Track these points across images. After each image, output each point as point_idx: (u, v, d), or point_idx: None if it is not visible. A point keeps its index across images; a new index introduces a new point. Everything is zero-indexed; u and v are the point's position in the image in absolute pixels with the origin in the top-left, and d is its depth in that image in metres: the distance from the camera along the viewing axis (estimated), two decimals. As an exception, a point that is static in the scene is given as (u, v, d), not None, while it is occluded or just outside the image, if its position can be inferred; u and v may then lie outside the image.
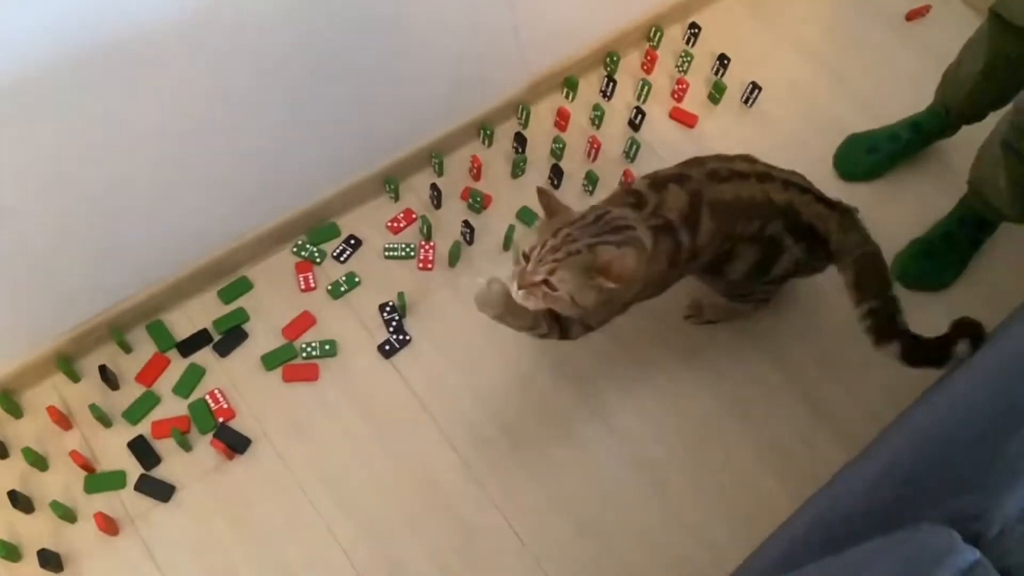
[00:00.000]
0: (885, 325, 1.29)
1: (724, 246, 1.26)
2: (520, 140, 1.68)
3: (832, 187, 1.72)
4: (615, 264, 1.09)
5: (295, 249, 1.57)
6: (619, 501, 1.40)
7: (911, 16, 1.93)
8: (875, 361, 1.53)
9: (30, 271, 1.24)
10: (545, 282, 1.12)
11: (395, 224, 1.61)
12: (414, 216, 1.62)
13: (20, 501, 1.30)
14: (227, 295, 1.51)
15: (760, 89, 1.76)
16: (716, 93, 1.78)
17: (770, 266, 1.32)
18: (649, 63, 1.80)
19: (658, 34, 1.83)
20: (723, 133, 1.77)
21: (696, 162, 1.29)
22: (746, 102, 1.79)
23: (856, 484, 0.93)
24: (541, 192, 1.19)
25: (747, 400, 1.50)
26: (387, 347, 1.49)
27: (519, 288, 1.14)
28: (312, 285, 1.54)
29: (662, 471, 1.43)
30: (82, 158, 1.14)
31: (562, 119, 1.72)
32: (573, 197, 1.66)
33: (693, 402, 1.49)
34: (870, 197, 1.70)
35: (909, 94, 1.73)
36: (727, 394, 1.50)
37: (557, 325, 1.27)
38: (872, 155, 1.70)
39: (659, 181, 1.25)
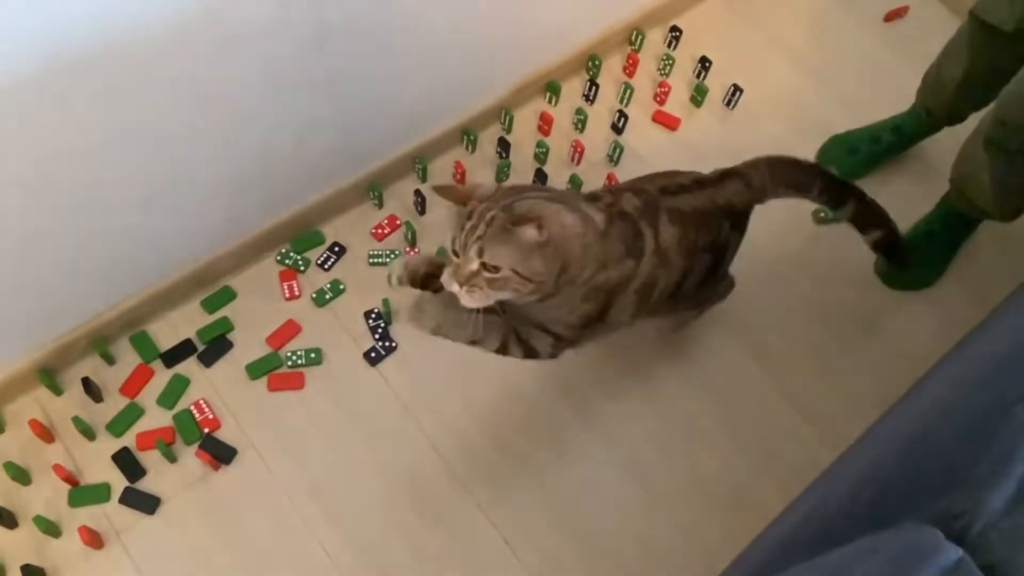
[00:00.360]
0: (837, 190, 1.33)
1: (689, 262, 1.20)
2: (504, 145, 1.68)
3: (814, 188, 1.73)
4: (535, 209, 0.99)
5: (279, 257, 1.56)
6: (608, 505, 1.40)
7: (890, 17, 1.95)
8: (859, 360, 1.56)
9: (8, 282, 1.22)
10: (483, 266, 0.99)
11: (379, 231, 1.61)
12: (398, 223, 1.62)
13: (3, 516, 1.28)
14: (211, 305, 1.50)
15: (742, 91, 1.77)
16: (698, 96, 1.79)
17: (718, 269, 1.31)
18: (631, 67, 1.81)
19: (640, 38, 1.83)
20: (705, 135, 1.78)
21: (646, 180, 1.26)
22: (728, 104, 1.80)
23: (841, 484, 0.93)
24: (439, 189, 1.05)
25: (733, 401, 1.50)
26: (373, 354, 1.48)
27: (459, 286, 1.00)
28: (296, 293, 1.53)
29: (650, 473, 1.43)
30: (62, 166, 1.13)
31: (545, 123, 1.72)
32: (557, 201, 1.66)
33: (679, 405, 1.50)
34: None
35: (890, 94, 1.74)
36: (713, 395, 1.51)
37: (514, 336, 1.13)
38: (853, 156, 1.71)
39: (615, 189, 1.22)
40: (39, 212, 1.16)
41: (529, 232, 0.97)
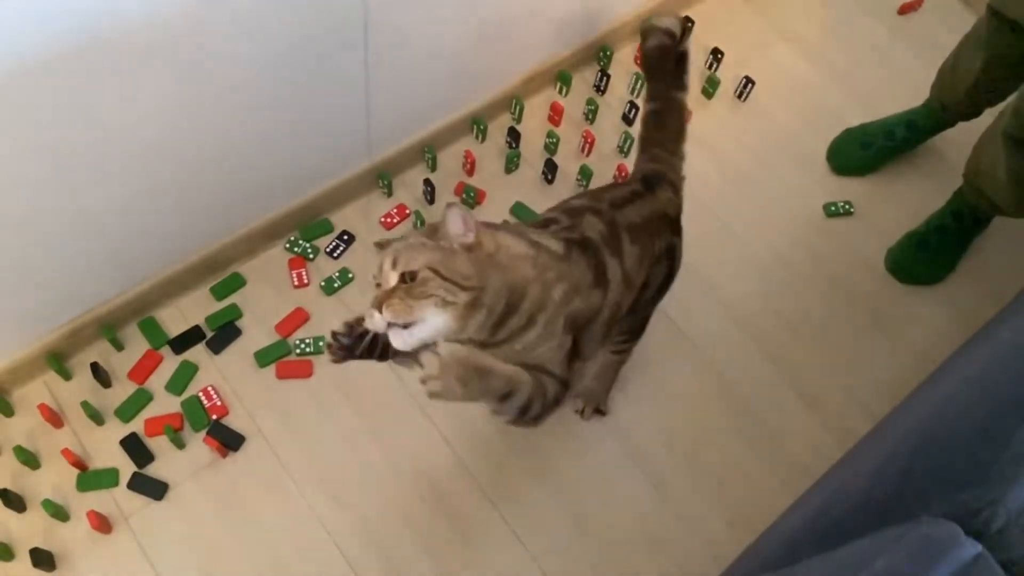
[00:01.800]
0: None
1: (648, 273, 1.17)
2: (513, 135, 1.67)
3: (825, 181, 1.73)
4: (457, 214, 0.92)
5: (288, 245, 1.55)
6: (617, 497, 1.40)
7: (904, 10, 1.94)
8: (870, 355, 1.55)
9: (18, 268, 1.22)
10: (401, 278, 0.90)
11: (388, 219, 1.60)
12: (407, 212, 1.61)
13: (12, 500, 1.28)
14: (220, 291, 1.50)
15: (753, 83, 1.76)
16: (709, 87, 1.78)
17: (672, 275, 1.25)
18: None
19: (652, 28, 1.82)
20: (716, 127, 1.77)
21: (595, 196, 1.20)
22: (739, 96, 1.79)
23: (855, 477, 0.93)
24: (380, 245, 0.99)
25: (741, 394, 1.50)
26: (381, 343, 1.48)
27: (379, 309, 0.89)
28: (305, 281, 1.53)
29: (659, 466, 1.43)
30: (71, 153, 1.12)
31: (555, 114, 1.71)
32: (567, 191, 1.66)
33: (687, 398, 1.49)
34: (864, 191, 1.70)
35: (904, 87, 1.73)
36: (721, 388, 1.50)
37: (553, 379, 1.02)
38: (867, 150, 1.70)
39: (572, 208, 1.14)
40: (46, 198, 1.16)
41: (453, 224, 0.92)
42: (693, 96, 1.78)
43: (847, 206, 1.68)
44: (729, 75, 1.80)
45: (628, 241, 1.11)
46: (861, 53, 1.88)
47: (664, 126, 1.27)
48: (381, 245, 0.99)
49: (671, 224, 1.21)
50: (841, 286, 1.61)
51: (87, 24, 0.99)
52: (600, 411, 1.44)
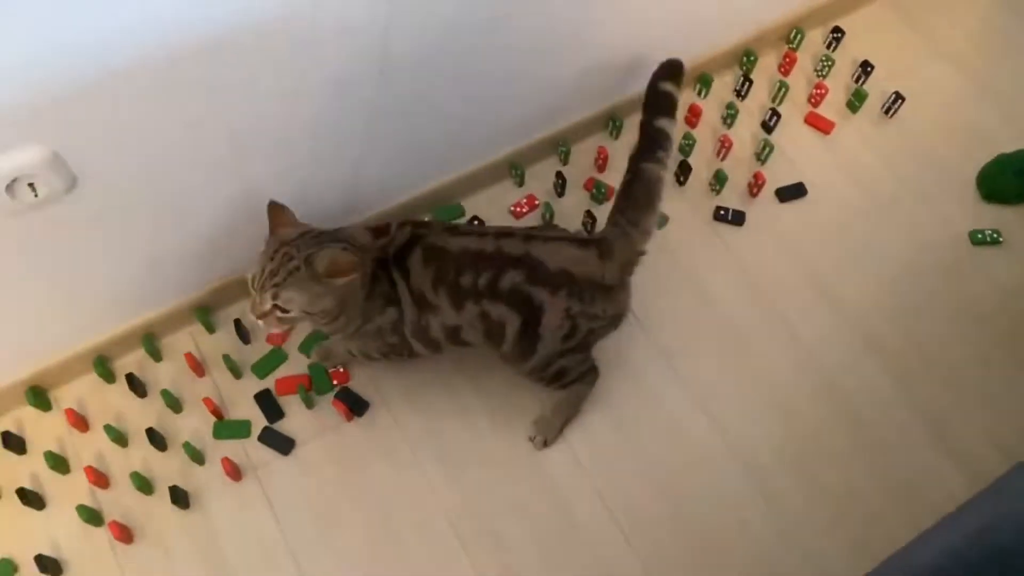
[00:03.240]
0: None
1: (468, 306, 1.19)
2: (649, 134, 1.67)
3: (972, 206, 1.65)
4: (339, 260, 1.11)
5: (421, 225, 1.61)
6: (725, 504, 1.39)
7: (1074, 33, 1.83)
8: (1009, 393, 1.47)
9: (181, 228, 1.31)
10: (275, 307, 1.11)
11: (518, 209, 1.63)
12: (537, 202, 1.64)
13: (156, 439, 1.38)
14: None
15: (903, 99, 1.70)
16: (856, 101, 1.72)
17: (537, 328, 1.21)
18: (787, 65, 1.76)
19: (799, 36, 1.78)
20: (860, 142, 1.71)
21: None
22: (887, 112, 1.73)
23: (1004, 520, 0.89)
24: (272, 206, 1.17)
25: (863, 417, 1.46)
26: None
27: (256, 318, 1.14)
28: (435, 261, 1.57)
29: (771, 479, 1.41)
30: (242, 128, 1.19)
31: (693, 115, 1.70)
32: (700, 195, 1.65)
33: (807, 416, 1.46)
34: (1015, 221, 1.62)
35: (1066, 113, 1.64)
36: (841, 408, 1.46)
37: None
38: (1021, 178, 1.62)
39: (404, 222, 1.24)
40: (219, 172, 1.23)
41: (319, 284, 1.11)
42: (837, 108, 1.74)
43: (995, 235, 1.60)
44: (877, 89, 1.74)
45: (419, 258, 1.19)
46: (1021, 72, 1.78)
47: (629, 195, 1.27)
48: (274, 208, 1.17)
49: (560, 278, 1.18)
50: (984, 318, 1.54)
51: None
52: (547, 443, 1.41)
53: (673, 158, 1.66)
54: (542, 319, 1.19)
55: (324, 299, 1.13)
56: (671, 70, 1.35)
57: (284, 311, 1.12)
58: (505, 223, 1.61)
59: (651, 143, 1.29)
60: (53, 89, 0.95)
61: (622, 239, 1.24)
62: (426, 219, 1.25)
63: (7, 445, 1.37)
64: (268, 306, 1.12)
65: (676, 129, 1.32)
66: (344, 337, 1.28)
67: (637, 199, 1.26)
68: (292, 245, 1.13)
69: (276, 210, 1.18)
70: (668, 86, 1.33)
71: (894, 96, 1.70)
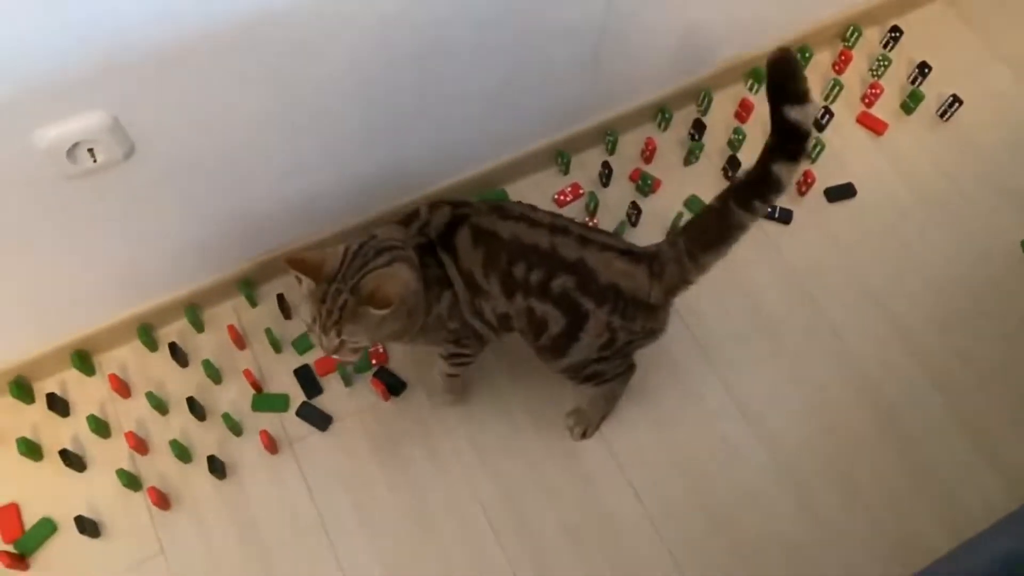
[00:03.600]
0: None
1: (517, 298, 1.16)
2: (698, 127, 1.66)
3: (1028, 222, 1.61)
4: (384, 287, 1.05)
5: (465, 209, 1.60)
6: (759, 505, 1.38)
7: None
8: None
9: (228, 200, 1.32)
10: (343, 342, 1.10)
11: (562, 197, 1.63)
12: (581, 191, 1.63)
13: (196, 409, 1.40)
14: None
15: (961, 103, 1.66)
16: (911, 102, 1.69)
17: (578, 332, 1.17)
18: (842, 63, 1.73)
19: (855, 34, 1.75)
20: (913, 145, 1.68)
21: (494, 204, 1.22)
22: (942, 115, 1.70)
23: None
24: (291, 261, 1.07)
25: (905, 424, 1.43)
26: (540, 315, 1.51)
27: (330, 355, 1.13)
28: (477, 246, 1.57)
29: (808, 483, 1.39)
30: (297, 94, 1.19)
31: (744, 110, 1.68)
32: (746, 192, 1.63)
33: (846, 420, 1.44)
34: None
35: None
36: (883, 413, 1.44)
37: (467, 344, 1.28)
38: None
39: (437, 203, 1.20)
40: (270, 133, 1.24)
41: (375, 313, 1.06)
42: (891, 109, 1.71)
43: (1049, 246, 1.57)
44: (934, 92, 1.70)
45: (468, 237, 1.16)
46: (1085, 84, 1.74)
47: (704, 228, 1.15)
48: (296, 262, 1.08)
49: (608, 292, 1.14)
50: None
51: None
52: (585, 435, 1.42)
53: (721, 153, 1.66)
54: (584, 326, 1.17)
55: (388, 322, 1.09)
56: (791, 76, 0.99)
57: (355, 346, 1.12)
58: (549, 209, 1.60)
59: (755, 187, 1.06)
60: (118, 57, 0.96)
61: (675, 264, 1.15)
62: (463, 199, 1.21)
63: (51, 407, 1.39)
64: (336, 343, 1.10)
65: (795, 175, 1.06)
66: (412, 339, 1.22)
67: (709, 236, 1.13)
68: (339, 278, 1.08)
69: (299, 263, 1.08)
70: (795, 114, 0.99)
71: (951, 99, 1.67)
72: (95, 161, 1.05)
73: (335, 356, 1.13)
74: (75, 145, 1.02)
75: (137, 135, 1.08)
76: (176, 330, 1.49)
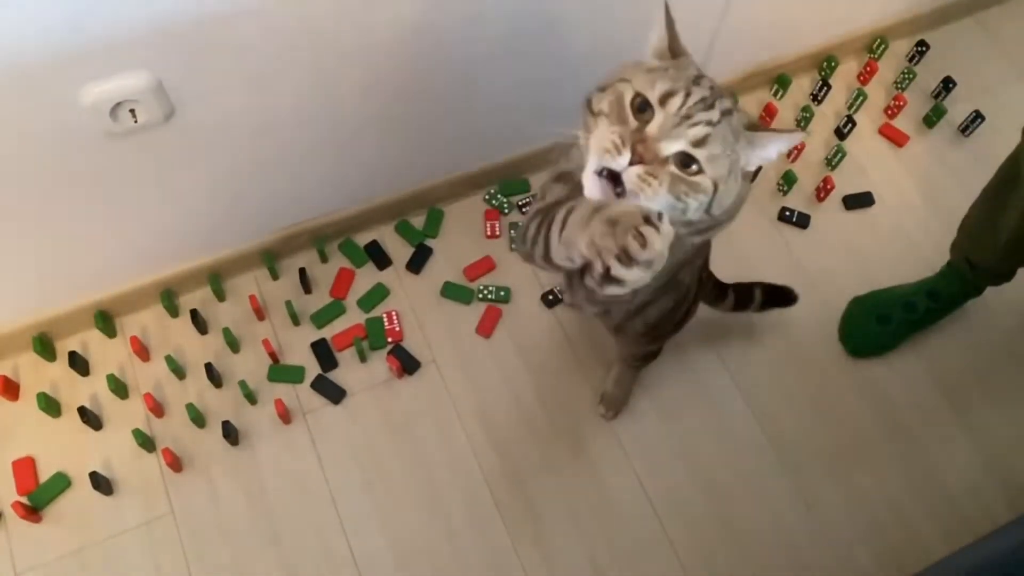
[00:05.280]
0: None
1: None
2: (721, 129, 1.67)
3: None
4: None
5: (487, 197, 1.62)
6: (762, 500, 1.39)
7: None
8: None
9: (256, 172, 1.34)
10: (678, 156, 0.73)
11: (583, 190, 1.65)
12: (603, 186, 1.65)
13: (213, 375, 1.42)
14: (422, 225, 1.60)
15: (983, 119, 1.68)
16: (934, 116, 1.71)
17: (680, 308, 1.18)
18: (867, 74, 1.75)
19: (882, 47, 1.77)
20: (934, 158, 1.70)
21: None
22: (964, 131, 1.71)
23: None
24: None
25: (911, 430, 1.45)
26: (550, 297, 1.53)
27: (632, 164, 0.71)
28: (497, 233, 1.59)
29: (811, 480, 1.41)
30: (329, 69, 1.22)
31: (768, 115, 1.70)
32: (767, 194, 1.65)
33: (853, 417, 1.46)
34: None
35: None
36: (889, 418, 1.46)
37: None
38: (885, 325, 1.49)
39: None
40: (304, 110, 1.26)
41: (754, 153, 0.77)
42: (913, 122, 1.73)
43: (1064, 263, 1.57)
44: (957, 107, 1.72)
45: None
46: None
47: (718, 288, 1.36)
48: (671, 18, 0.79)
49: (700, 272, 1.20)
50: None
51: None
52: (616, 415, 1.46)
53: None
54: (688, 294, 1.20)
55: (732, 184, 0.77)
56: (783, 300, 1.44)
57: (689, 171, 0.74)
58: (569, 203, 1.62)
59: (742, 304, 1.41)
60: (168, 20, 0.99)
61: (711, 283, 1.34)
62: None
63: (72, 365, 1.42)
64: (675, 148, 0.73)
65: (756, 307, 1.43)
66: (640, 311, 1.07)
67: (710, 291, 1.35)
68: (706, 84, 0.77)
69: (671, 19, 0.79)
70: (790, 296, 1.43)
71: (974, 115, 1.68)
72: (135, 121, 1.08)
73: (630, 172, 0.72)
74: (118, 104, 1.05)
75: (177, 99, 1.10)
76: (198, 298, 1.51)
